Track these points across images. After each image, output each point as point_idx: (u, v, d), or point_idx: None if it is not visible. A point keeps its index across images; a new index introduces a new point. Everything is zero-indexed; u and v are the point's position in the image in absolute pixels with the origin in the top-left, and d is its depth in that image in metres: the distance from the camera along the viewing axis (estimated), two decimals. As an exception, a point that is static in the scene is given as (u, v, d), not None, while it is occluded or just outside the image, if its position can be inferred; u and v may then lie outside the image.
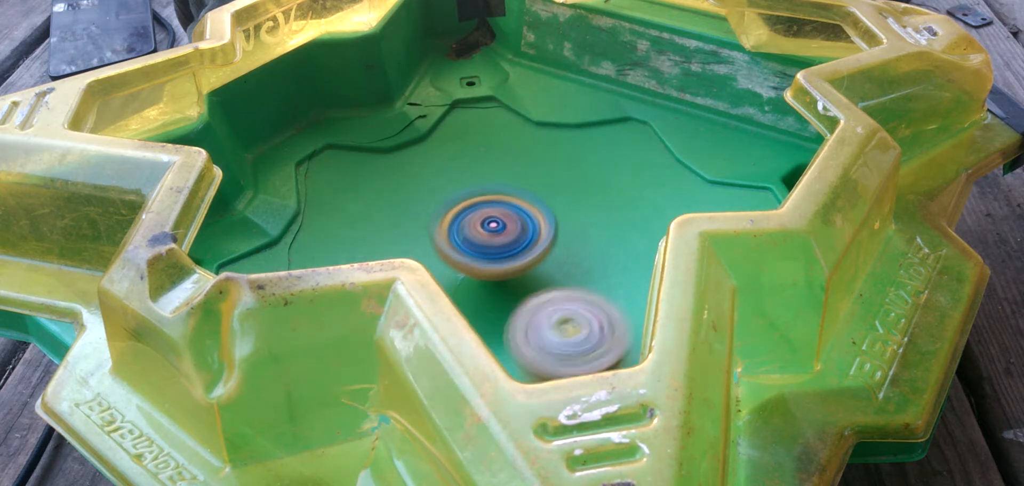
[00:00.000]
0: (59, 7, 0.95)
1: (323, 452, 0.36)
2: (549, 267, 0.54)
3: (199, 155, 0.43)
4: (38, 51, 0.93)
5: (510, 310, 0.51)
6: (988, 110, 0.55)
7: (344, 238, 0.57)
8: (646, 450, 0.29)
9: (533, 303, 0.44)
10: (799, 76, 0.47)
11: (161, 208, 0.40)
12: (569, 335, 0.42)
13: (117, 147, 0.44)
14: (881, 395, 0.38)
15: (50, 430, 0.49)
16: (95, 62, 0.85)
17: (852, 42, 0.55)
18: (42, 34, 0.96)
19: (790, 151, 0.61)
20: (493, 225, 0.52)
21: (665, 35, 0.65)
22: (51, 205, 0.45)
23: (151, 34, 0.90)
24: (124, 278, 0.37)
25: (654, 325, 0.33)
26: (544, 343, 0.42)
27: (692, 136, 0.64)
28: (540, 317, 0.43)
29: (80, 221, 0.44)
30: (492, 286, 0.53)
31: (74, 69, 0.84)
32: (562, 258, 0.54)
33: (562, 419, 0.30)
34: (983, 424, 0.49)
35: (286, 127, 0.65)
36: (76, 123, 0.47)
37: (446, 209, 0.53)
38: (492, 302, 0.52)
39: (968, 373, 0.52)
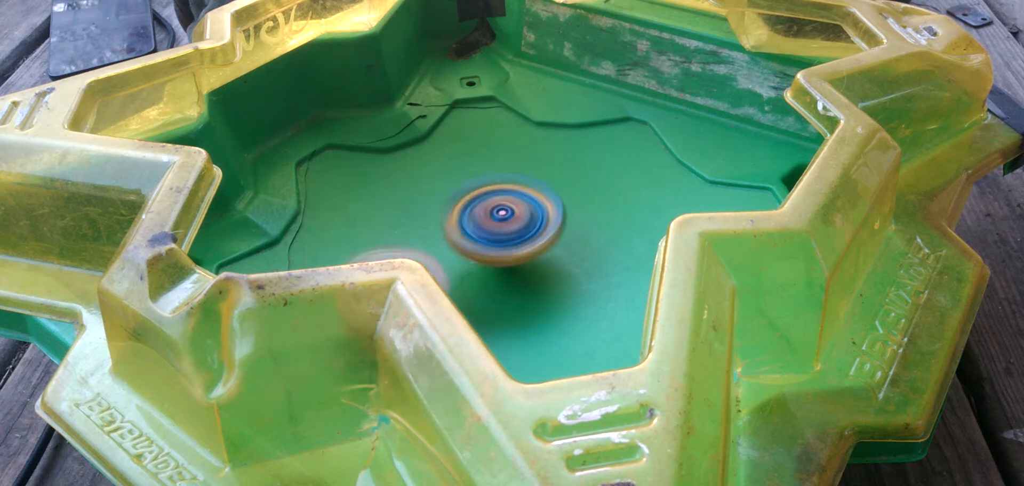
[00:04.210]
0: (59, 7, 0.95)
1: (323, 452, 0.36)
2: (551, 262, 0.54)
3: (199, 155, 0.43)
4: (38, 51, 0.93)
5: (518, 299, 0.52)
6: (988, 110, 0.55)
7: (344, 238, 0.57)
8: (646, 450, 0.29)
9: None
10: (799, 76, 0.47)
11: (161, 208, 0.40)
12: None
13: (117, 147, 0.44)
14: (881, 395, 0.38)
15: (50, 430, 0.49)
16: (95, 62, 0.85)
17: (852, 42, 0.55)
18: (42, 34, 0.96)
19: (790, 151, 0.61)
20: (502, 213, 0.53)
21: (665, 35, 0.65)
22: (51, 205, 0.45)
23: (151, 34, 0.90)
24: (124, 278, 0.37)
25: (654, 325, 0.33)
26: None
27: (692, 136, 0.64)
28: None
29: (80, 221, 0.45)
30: (500, 274, 0.53)
31: (74, 69, 0.84)
32: (563, 258, 0.54)
33: (562, 419, 0.30)
34: (983, 424, 0.49)
35: (286, 127, 0.65)
36: (76, 123, 0.47)
37: (456, 199, 0.54)
38: (501, 291, 0.53)
39: (968, 373, 0.52)
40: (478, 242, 0.52)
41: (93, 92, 0.50)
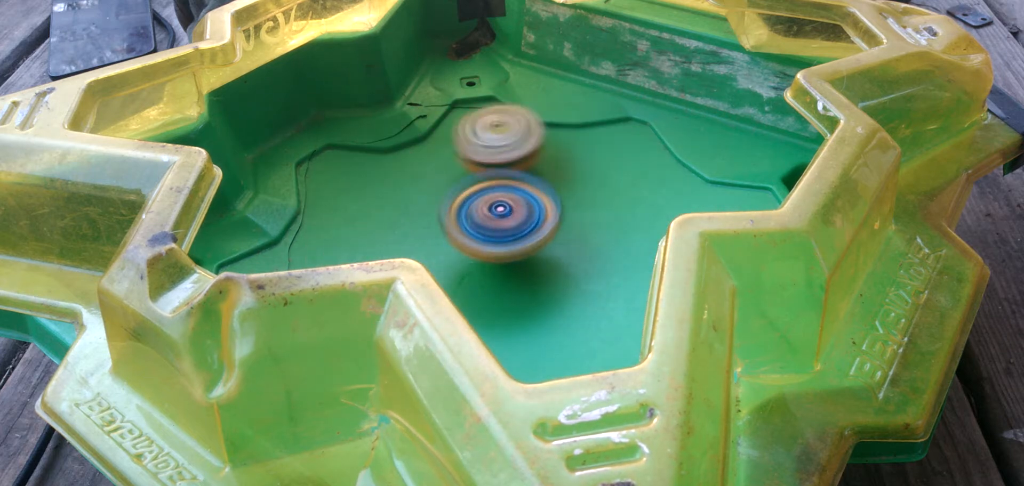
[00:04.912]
0: (59, 7, 0.95)
1: (323, 452, 0.36)
2: (550, 260, 0.54)
3: (199, 155, 0.43)
4: (38, 51, 0.93)
5: (518, 298, 0.52)
6: (988, 110, 0.55)
7: (344, 238, 0.57)
8: (646, 450, 0.29)
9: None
10: (799, 76, 0.47)
11: (161, 208, 0.40)
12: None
13: (117, 147, 0.44)
14: (881, 395, 0.38)
15: (50, 430, 0.49)
16: (95, 62, 0.86)
17: (852, 42, 0.55)
18: (42, 34, 0.96)
19: (790, 151, 0.61)
20: (500, 209, 0.53)
21: (665, 35, 0.65)
22: (51, 205, 0.45)
23: (151, 34, 0.90)
24: (124, 278, 0.37)
25: (654, 325, 0.33)
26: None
27: (692, 136, 0.64)
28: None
29: (80, 221, 0.45)
30: (499, 272, 0.53)
31: (74, 69, 0.84)
32: (562, 257, 0.54)
33: (562, 419, 0.30)
34: (983, 424, 0.49)
35: (286, 127, 0.65)
36: (76, 123, 0.47)
37: (454, 195, 0.54)
38: (501, 291, 0.53)
39: (968, 373, 0.52)
40: (476, 238, 0.52)
41: (93, 92, 0.50)
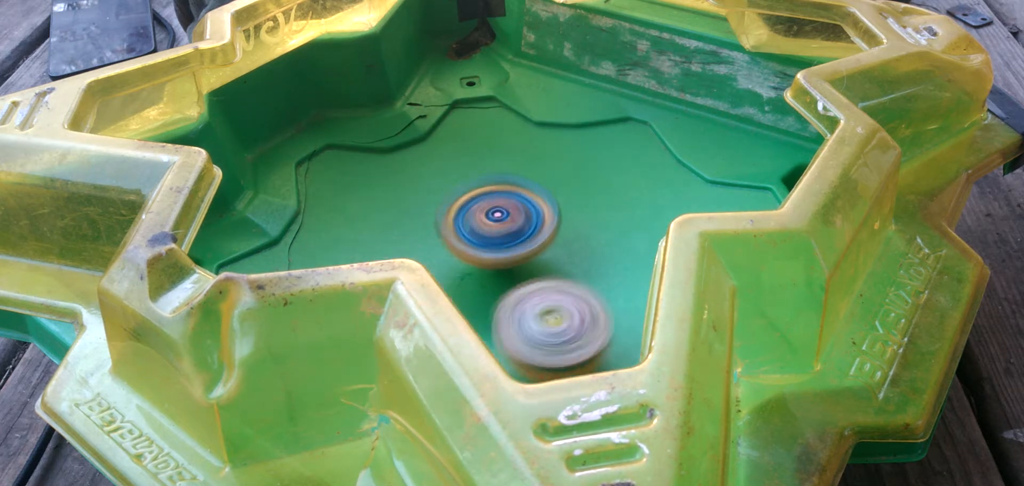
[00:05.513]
0: (59, 7, 0.95)
1: (323, 452, 0.36)
2: (550, 263, 0.54)
3: (199, 155, 0.43)
4: (38, 51, 0.93)
5: None
6: (988, 110, 0.55)
7: (344, 238, 0.57)
8: (646, 450, 0.29)
9: (518, 294, 0.45)
10: (799, 76, 0.47)
11: (161, 208, 0.40)
12: (551, 325, 0.43)
13: (117, 147, 0.44)
14: (881, 395, 0.38)
15: (50, 430, 0.49)
16: (95, 62, 0.85)
17: (852, 42, 0.55)
18: (42, 34, 0.96)
19: (790, 151, 0.61)
20: (497, 215, 0.53)
21: (665, 35, 0.65)
22: (51, 205, 0.45)
23: (151, 34, 0.90)
24: (124, 278, 0.37)
25: (654, 325, 0.33)
26: (527, 333, 0.43)
27: (692, 136, 0.64)
28: (525, 307, 0.44)
29: (80, 221, 0.45)
30: (499, 275, 0.53)
31: (74, 69, 0.84)
32: (562, 258, 0.54)
33: (562, 419, 0.30)
34: (983, 424, 0.49)
35: (286, 127, 0.65)
36: (76, 123, 0.47)
37: (451, 201, 0.54)
38: (501, 291, 0.52)
39: (968, 373, 0.52)
40: (474, 244, 0.52)
41: (93, 92, 0.50)
